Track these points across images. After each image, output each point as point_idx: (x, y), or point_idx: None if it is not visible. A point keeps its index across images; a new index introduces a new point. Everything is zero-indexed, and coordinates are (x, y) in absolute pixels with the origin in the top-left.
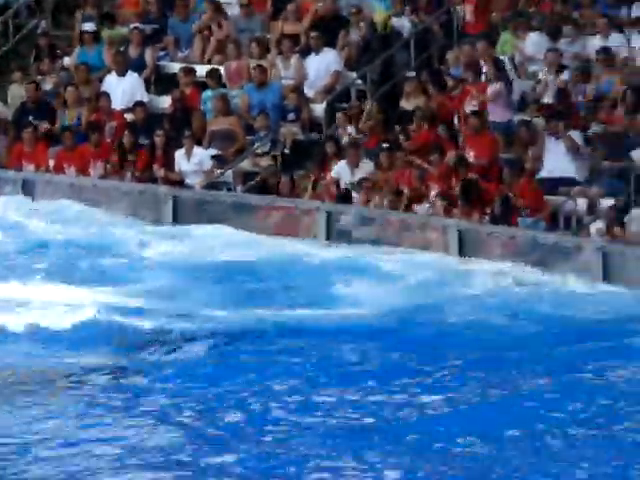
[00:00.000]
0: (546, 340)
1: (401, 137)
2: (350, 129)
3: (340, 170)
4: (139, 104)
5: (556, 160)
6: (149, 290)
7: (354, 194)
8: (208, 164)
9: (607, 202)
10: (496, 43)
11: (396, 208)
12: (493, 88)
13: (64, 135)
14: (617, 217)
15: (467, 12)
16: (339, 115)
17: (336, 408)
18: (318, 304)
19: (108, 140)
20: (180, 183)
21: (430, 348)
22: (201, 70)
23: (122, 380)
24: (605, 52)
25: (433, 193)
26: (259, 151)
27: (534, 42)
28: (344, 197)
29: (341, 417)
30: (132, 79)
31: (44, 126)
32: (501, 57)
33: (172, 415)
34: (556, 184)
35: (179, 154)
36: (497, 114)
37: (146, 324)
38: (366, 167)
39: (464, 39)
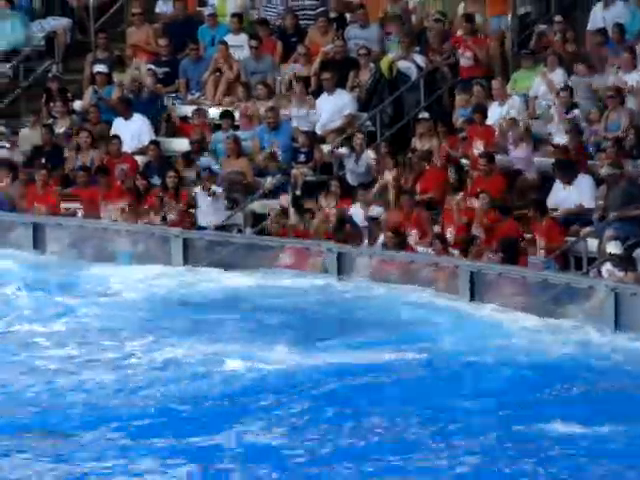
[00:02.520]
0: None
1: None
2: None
3: (354, 211)
4: (153, 143)
5: (568, 200)
6: None
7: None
8: (223, 204)
9: (616, 245)
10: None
11: (399, 247)
12: (523, 152)
13: (79, 175)
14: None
15: (464, 57)
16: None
17: None
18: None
19: (118, 182)
20: (191, 223)
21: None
22: (212, 112)
23: None
24: (615, 90)
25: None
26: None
27: (559, 78)
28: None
29: None
30: (140, 121)
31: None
32: (515, 96)
33: None
34: (569, 224)
35: (199, 191)
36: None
37: None
38: (378, 210)
39: (469, 82)
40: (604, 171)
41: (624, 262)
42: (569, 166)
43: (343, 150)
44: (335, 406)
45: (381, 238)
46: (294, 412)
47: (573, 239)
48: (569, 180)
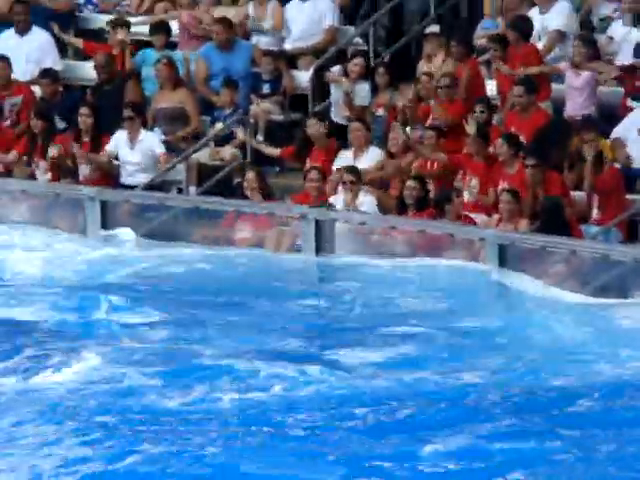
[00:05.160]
0: None
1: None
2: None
3: (341, 162)
4: (47, 73)
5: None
6: None
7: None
8: (158, 153)
9: None
10: None
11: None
12: (582, 78)
13: None
14: None
15: None
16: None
17: None
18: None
19: (8, 122)
20: (113, 180)
21: None
22: (139, 24)
23: None
24: None
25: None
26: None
27: None
28: None
29: None
30: (39, 37)
31: None
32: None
33: None
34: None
35: (119, 138)
36: (576, 108)
37: None
38: (374, 155)
39: None
40: None
41: None
42: None
43: (337, 71)
44: None
45: (362, 199)
46: None
47: None
48: None
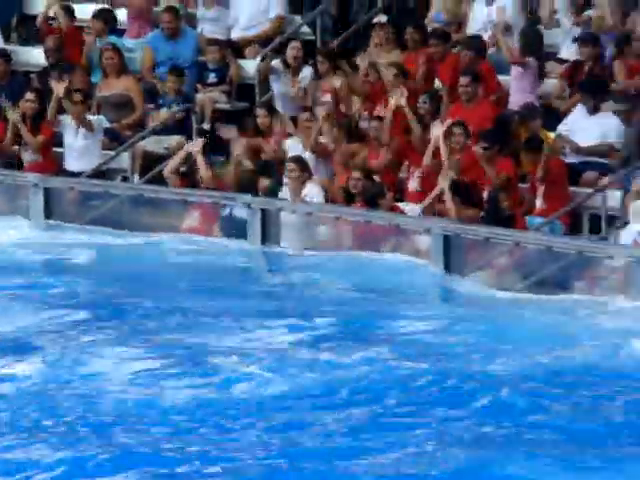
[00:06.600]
0: None
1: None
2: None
3: (289, 149)
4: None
5: (586, 137)
6: None
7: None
8: (102, 141)
9: None
10: None
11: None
12: (516, 69)
13: None
14: None
15: None
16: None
17: None
18: None
19: None
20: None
21: None
22: (83, 10)
23: None
24: None
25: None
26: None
27: None
28: None
29: None
30: None
31: None
32: None
33: None
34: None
35: (66, 123)
36: (517, 97)
37: None
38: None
39: None
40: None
41: None
42: (599, 86)
43: (276, 64)
44: None
45: (309, 189)
46: None
47: (588, 191)
48: (596, 105)
